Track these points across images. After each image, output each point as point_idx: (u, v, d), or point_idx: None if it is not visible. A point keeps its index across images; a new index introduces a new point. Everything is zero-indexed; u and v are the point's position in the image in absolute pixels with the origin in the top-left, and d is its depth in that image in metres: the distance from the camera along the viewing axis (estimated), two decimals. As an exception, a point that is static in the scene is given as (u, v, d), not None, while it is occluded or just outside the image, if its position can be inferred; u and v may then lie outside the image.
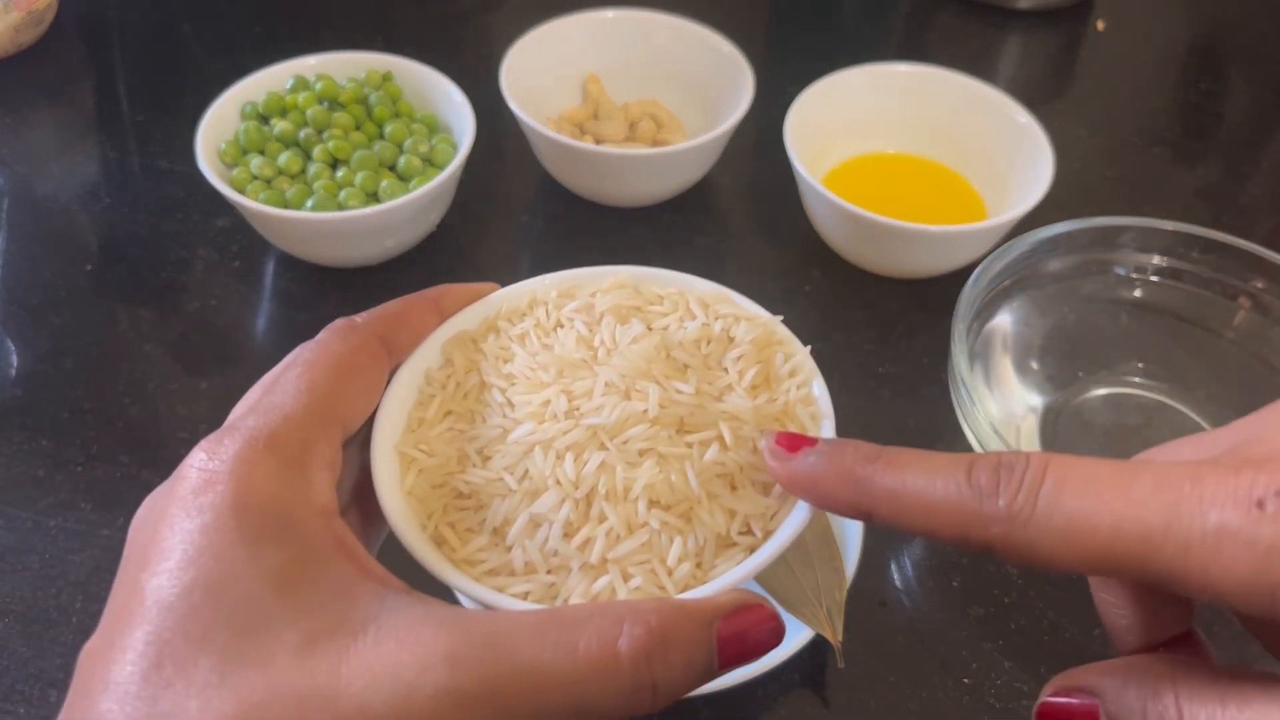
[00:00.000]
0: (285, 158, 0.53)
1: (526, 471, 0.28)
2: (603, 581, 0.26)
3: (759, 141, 0.64)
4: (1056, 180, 0.52)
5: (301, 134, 0.54)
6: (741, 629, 0.24)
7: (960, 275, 0.56)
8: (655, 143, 0.60)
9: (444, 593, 0.25)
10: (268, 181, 0.53)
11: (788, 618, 0.39)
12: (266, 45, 0.71)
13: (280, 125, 0.54)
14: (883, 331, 0.54)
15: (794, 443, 0.26)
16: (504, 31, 0.62)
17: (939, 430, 0.49)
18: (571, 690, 0.21)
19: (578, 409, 0.29)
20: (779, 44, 0.74)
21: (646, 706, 0.22)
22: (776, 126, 0.54)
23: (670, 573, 0.27)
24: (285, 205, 0.52)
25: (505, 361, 0.31)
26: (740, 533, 0.27)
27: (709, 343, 0.31)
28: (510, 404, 0.30)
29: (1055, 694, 0.24)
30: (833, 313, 0.55)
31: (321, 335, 0.28)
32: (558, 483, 0.28)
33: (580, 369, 0.30)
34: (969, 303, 0.44)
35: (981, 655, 0.42)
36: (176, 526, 0.23)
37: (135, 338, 0.52)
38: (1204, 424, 0.48)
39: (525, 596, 0.26)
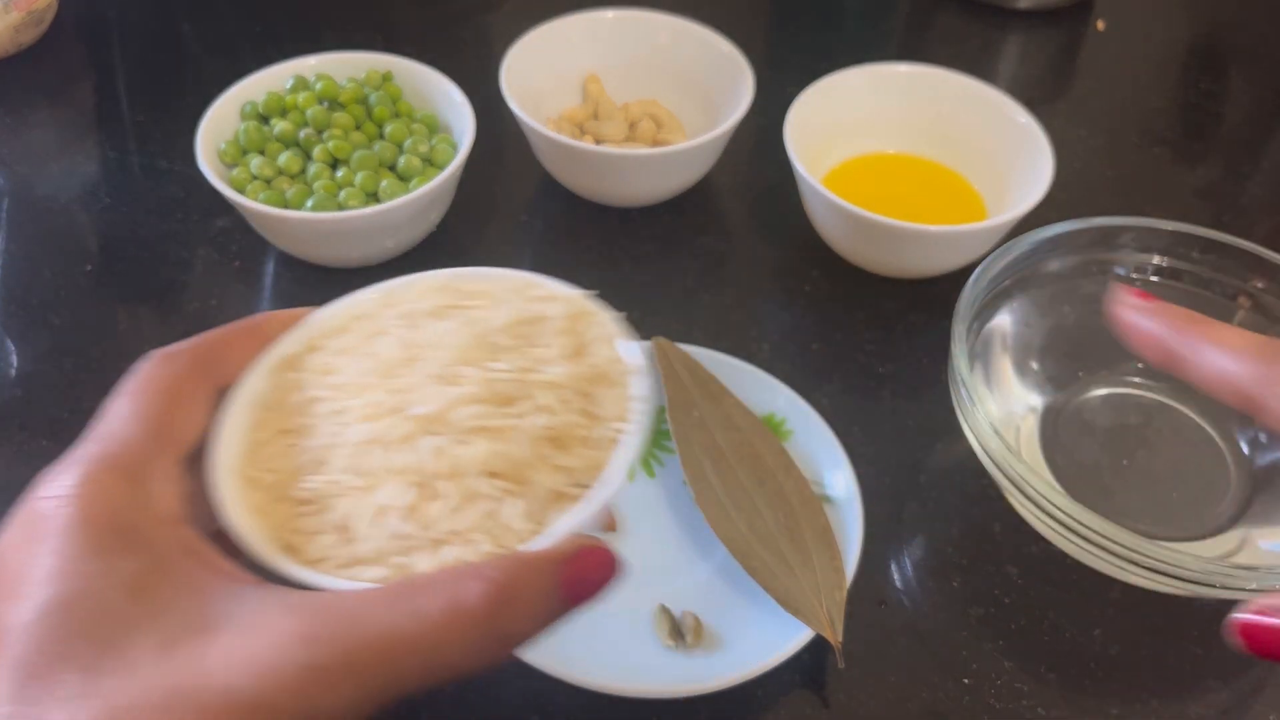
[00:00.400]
0: (285, 158, 0.53)
1: (364, 469, 0.29)
2: (450, 552, 0.28)
3: (759, 141, 0.64)
4: (1056, 180, 0.52)
5: (301, 134, 0.54)
6: (581, 571, 0.26)
7: (960, 275, 0.56)
8: (655, 143, 0.60)
9: None
10: (267, 181, 0.53)
11: (787, 617, 0.40)
12: (266, 45, 0.71)
13: (280, 125, 0.54)
14: (883, 332, 0.54)
15: (1141, 295, 0.33)
16: (504, 31, 0.62)
17: (939, 430, 0.49)
18: (425, 652, 0.23)
19: (405, 403, 0.30)
20: (779, 44, 0.74)
21: (500, 656, 0.24)
22: (776, 126, 0.54)
23: (512, 532, 0.28)
24: (285, 205, 0.52)
25: (331, 374, 0.32)
26: (573, 486, 0.29)
27: (523, 324, 0.32)
28: (341, 411, 0.31)
29: (1258, 612, 0.24)
30: (833, 313, 0.55)
31: (139, 365, 0.29)
32: (395, 472, 0.29)
33: (403, 367, 0.31)
34: (969, 303, 0.44)
35: (982, 656, 0.42)
36: (26, 552, 0.24)
37: (135, 338, 0.52)
38: (1204, 424, 0.47)
39: (380, 581, 0.27)
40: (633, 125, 0.61)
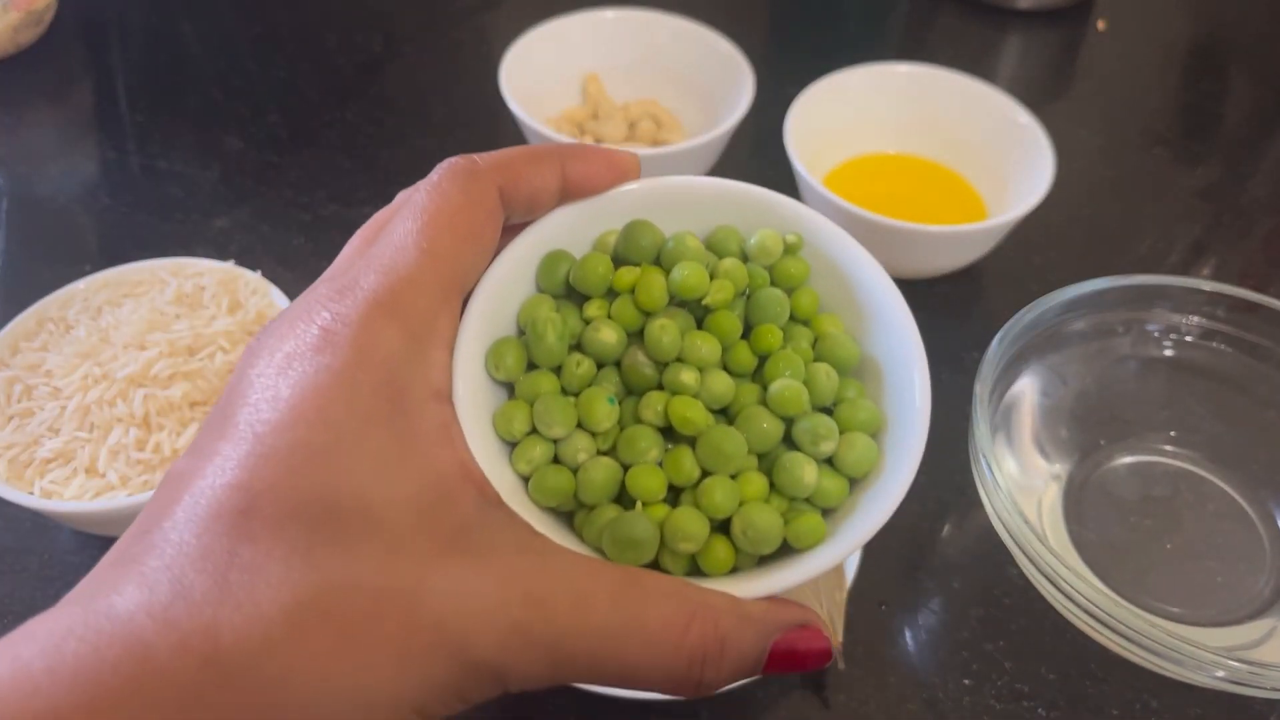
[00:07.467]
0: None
1: (93, 425, 0.40)
2: None
3: (759, 141, 0.64)
4: (1057, 181, 0.52)
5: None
6: (796, 648, 0.24)
7: (960, 275, 0.56)
8: (655, 142, 0.60)
9: None
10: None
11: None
12: (266, 45, 0.71)
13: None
14: (883, 332, 0.54)
15: None
16: (504, 31, 0.62)
17: (937, 431, 0.49)
18: (628, 660, 0.22)
19: (112, 370, 0.40)
20: (779, 44, 0.74)
21: (687, 695, 0.23)
22: (777, 126, 0.54)
23: None
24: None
25: (39, 366, 0.41)
26: None
27: (187, 295, 0.44)
28: (57, 390, 0.41)
29: None
30: (833, 313, 0.55)
31: (438, 178, 0.24)
32: (119, 420, 0.39)
33: (101, 346, 0.41)
34: (992, 364, 0.42)
35: (982, 656, 0.42)
36: (291, 376, 0.21)
37: (134, 338, 0.52)
38: (1233, 493, 0.45)
39: (130, 495, 0.38)
40: (632, 125, 0.61)
